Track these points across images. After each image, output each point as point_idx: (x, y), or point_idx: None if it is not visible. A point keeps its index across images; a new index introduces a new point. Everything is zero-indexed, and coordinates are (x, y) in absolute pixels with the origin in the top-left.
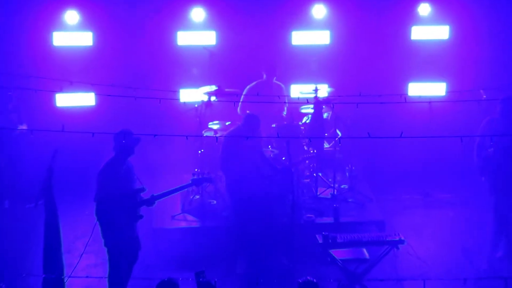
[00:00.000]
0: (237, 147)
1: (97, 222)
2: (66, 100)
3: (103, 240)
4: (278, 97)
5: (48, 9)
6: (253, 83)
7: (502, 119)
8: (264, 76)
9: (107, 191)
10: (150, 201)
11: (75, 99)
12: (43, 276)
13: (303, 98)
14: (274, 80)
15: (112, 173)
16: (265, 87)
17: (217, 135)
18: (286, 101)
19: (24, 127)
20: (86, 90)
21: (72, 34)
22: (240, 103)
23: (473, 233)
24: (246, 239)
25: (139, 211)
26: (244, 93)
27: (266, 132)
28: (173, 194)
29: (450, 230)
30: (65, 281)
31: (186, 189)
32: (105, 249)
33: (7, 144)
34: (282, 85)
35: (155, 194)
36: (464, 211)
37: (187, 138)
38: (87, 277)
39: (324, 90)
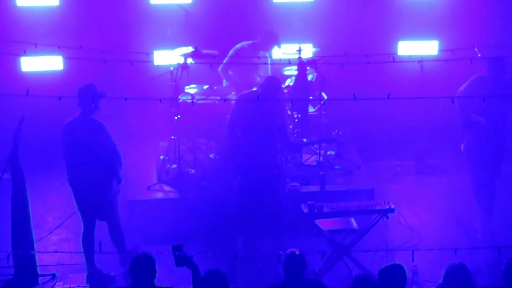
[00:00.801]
0: (251, 113)
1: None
2: (32, 64)
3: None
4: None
5: None
6: (246, 44)
7: (490, 79)
8: (258, 40)
9: (76, 147)
10: None
11: (42, 63)
12: (12, 251)
13: (286, 59)
14: (263, 53)
15: (78, 129)
16: (254, 52)
17: (195, 100)
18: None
19: None
20: (53, 53)
21: None
22: (224, 62)
23: (467, 201)
24: (246, 214)
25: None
26: (230, 53)
27: None
28: None
29: (443, 198)
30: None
31: None
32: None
33: None
34: (269, 58)
35: None
36: (458, 177)
37: (161, 101)
38: (56, 252)
39: (308, 50)
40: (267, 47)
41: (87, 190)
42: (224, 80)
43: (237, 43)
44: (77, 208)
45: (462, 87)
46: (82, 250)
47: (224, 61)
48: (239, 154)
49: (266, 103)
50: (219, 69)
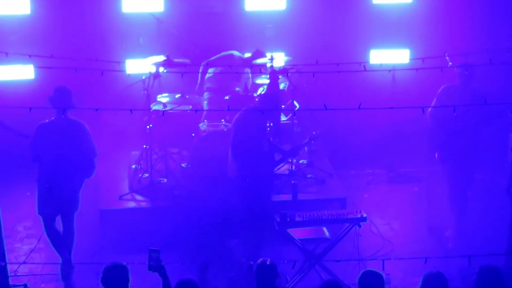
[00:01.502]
0: (251, 130)
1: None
2: (3, 73)
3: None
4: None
5: None
6: (237, 56)
7: (460, 87)
8: (247, 55)
9: (60, 147)
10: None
11: (13, 72)
12: None
13: (258, 68)
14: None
15: (59, 129)
16: (240, 65)
17: (166, 108)
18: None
19: None
20: (24, 62)
21: (7, 0)
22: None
23: (439, 209)
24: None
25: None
26: (221, 55)
27: (219, 105)
28: None
29: (415, 206)
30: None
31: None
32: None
33: None
34: (250, 76)
35: None
36: (429, 186)
37: (131, 112)
38: (24, 263)
39: (280, 59)
40: (253, 64)
41: (61, 188)
42: (197, 85)
43: (209, 52)
44: (37, 205)
45: (432, 102)
46: (49, 242)
47: (212, 58)
48: (243, 169)
49: (265, 118)
50: (203, 63)
